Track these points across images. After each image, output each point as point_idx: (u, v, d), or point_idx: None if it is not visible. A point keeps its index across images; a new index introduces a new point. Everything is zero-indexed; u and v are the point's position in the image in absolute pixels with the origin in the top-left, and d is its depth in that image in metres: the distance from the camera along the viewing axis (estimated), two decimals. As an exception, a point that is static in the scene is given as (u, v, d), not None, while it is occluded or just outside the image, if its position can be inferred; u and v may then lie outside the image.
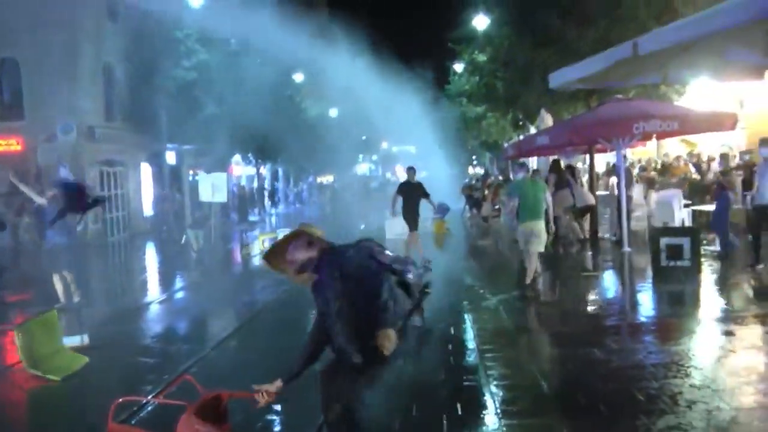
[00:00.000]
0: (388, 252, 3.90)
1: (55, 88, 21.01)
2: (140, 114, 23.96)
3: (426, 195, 12.25)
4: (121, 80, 24.50)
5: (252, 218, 30.72)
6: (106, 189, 23.61)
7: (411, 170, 12.52)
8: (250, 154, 34.99)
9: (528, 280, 9.28)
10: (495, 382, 5.62)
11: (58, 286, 9.55)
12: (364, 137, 53.47)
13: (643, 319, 7.91)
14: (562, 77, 9.78)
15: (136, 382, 6.15)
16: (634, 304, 8.63)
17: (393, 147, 66.24)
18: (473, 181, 27.51)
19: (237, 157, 35.52)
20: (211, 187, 17.83)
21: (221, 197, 18.34)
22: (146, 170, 26.89)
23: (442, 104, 42.01)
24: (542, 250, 9.36)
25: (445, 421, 4.87)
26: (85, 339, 7.25)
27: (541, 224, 9.07)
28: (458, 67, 32.57)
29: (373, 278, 3.62)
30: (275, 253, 3.76)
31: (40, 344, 6.35)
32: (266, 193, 39.67)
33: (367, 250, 3.79)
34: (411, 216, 12.23)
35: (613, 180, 14.23)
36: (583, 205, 13.49)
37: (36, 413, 5.88)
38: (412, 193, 12.20)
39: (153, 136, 24.21)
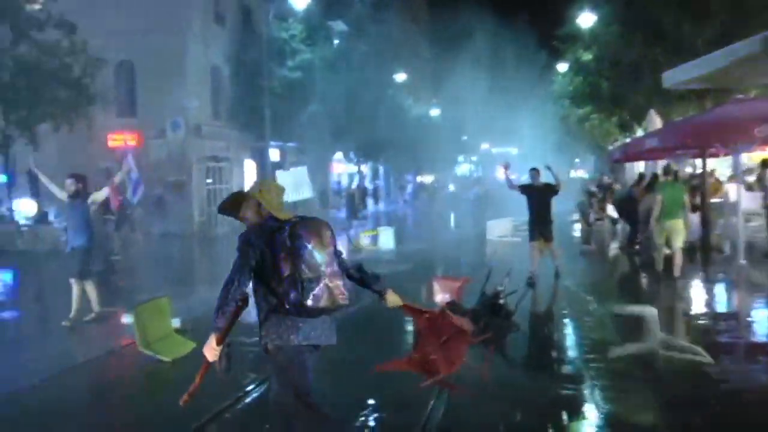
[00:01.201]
0: (323, 254, 3.55)
1: (166, 88, 22.18)
2: (245, 112, 24.93)
3: (556, 192, 10.87)
4: (226, 80, 25.52)
5: (360, 215, 30.07)
6: (212, 183, 24.74)
7: (535, 171, 11.04)
8: (351, 152, 35.51)
9: (677, 273, 10.01)
10: (601, 393, 5.37)
11: (79, 294, 8.44)
12: (464, 137, 53.01)
13: (761, 338, 7.37)
14: (677, 76, 9.29)
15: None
16: (750, 322, 8.04)
17: (493, 148, 65.18)
18: (592, 188, 23.84)
19: (338, 155, 36.11)
20: (293, 185, 16.07)
21: (306, 193, 16.72)
22: (250, 166, 27.86)
23: (545, 106, 41.05)
24: (681, 245, 10.16)
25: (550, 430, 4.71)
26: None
27: (680, 223, 10.08)
28: (562, 67, 31.63)
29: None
30: (233, 204, 3.90)
31: (152, 327, 6.67)
32: (367, 191, 39.91)
33: (299, 245, 3.54)
34: (540, 223, 10.71)
35: (728, 187, 13.37)
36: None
37: (148, 390, 6.19)
38: (539, 196, 10.78)
39: (257, 133, 25.04)
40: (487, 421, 4.86)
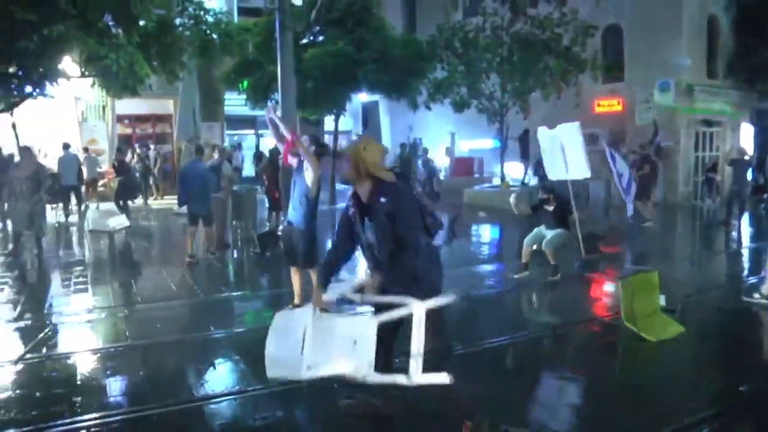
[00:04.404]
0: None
1: (655, 48, 21.02)
2: (745, 68, 21.92)
3: None
4: (726, 32, 22.76)
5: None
6: (700, 150, 22.64)
7: None
8: None
9: None
10: None
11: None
12: None
13: None
14: None
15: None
16: None
17: None
18: None
19: None
20: (550, 153, 11.01)
21: (577, 171, 10.83)
22: (747, 130, 24.52)
23: None
24: None
25: None
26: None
27: None
28: None
29: None
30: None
31: (640, 302, 6.22)
32: None
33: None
34: None
35: None
36: None
37: (621, 368, 5.93)
38: None
39: (760, 92, 21.75)
40: None
